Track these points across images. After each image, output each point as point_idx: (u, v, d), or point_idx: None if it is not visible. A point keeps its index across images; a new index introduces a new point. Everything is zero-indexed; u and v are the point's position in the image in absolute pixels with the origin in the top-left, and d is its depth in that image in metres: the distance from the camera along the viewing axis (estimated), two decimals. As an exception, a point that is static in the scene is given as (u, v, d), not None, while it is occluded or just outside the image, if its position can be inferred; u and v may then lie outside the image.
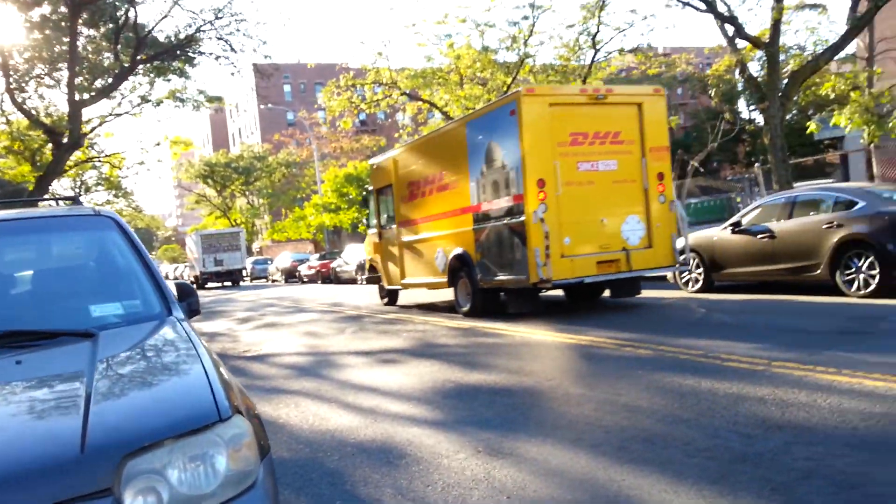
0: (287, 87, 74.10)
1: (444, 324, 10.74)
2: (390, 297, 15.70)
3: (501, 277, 10.70)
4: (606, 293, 11.91)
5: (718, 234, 11.66)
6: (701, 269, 11.80)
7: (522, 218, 9.99)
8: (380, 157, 15.94)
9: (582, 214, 10.22)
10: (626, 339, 7.74)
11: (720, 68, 38.97)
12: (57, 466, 1.83)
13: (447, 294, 13.01)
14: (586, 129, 10.42)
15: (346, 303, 17.09)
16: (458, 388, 6.21)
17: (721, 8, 18.46)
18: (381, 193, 15.14)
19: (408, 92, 25.62)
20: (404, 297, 16.47)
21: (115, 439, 1.92)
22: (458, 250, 11.73)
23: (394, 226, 14.37)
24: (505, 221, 10.48)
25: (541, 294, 11.63)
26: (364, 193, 19.94)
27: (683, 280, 12.15)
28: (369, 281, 17.12)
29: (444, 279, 12.35)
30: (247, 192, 58.57)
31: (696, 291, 11.81)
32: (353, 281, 27.51)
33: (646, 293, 12.70)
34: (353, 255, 27.74)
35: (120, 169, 30.75)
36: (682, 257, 10.89)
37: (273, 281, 41.39)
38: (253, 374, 8.04)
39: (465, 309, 11.80)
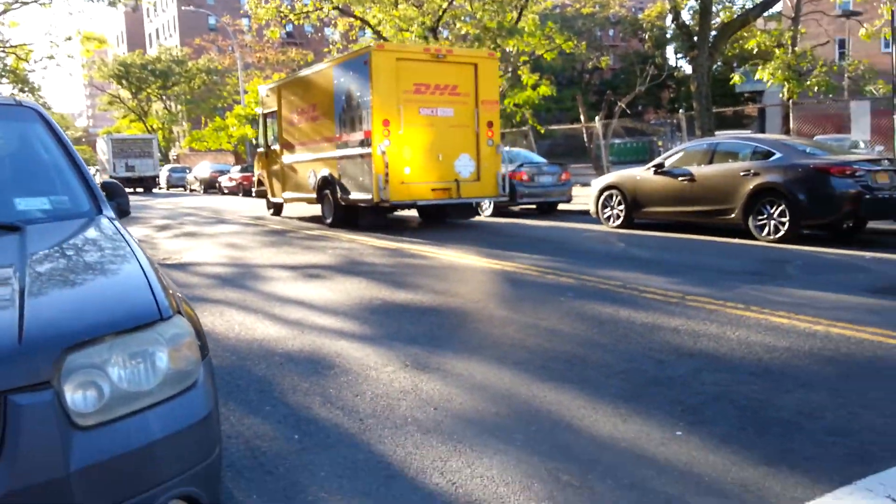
0: (211, -11, 70.12)
1: (370, 243, 10.74)
2: (275, 208, 17.59)
3: (354, 197, 12.94)
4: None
5: (641, 174, 12.00)
6: (622, 207, 12.16)
7: (370, 150, 12.15)
8: (267, 85, 17.86)
9: (421, 150, 12.44)
10: (550, 267, 7.96)
11: (652, 14, 39.32)
12: (-7, 357, 1.77)
13: (317, 209, 14.99)
14: (428, 82, 12.54)
15: (270, 217, 16.79)
16: (384, 305, 6.28)
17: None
18: (269, 117, 17.01)
19: (340, 6, 24.71)
20: (289, 211, 17.86)
21: (54, 333, 1.87)
22: (325, 172, 13.86)
23: (277, 147, 16.32)
24: (358, 151, 12.62)
25: (393, 213, 14.83)
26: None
27: (605, 216, 12.51)
28: (258, 195, 19.14)
29: (314, 195, 14.45)
30: (164, 97, 55.84)
31: (617, 227, 12.20)
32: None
33: (568, 225, 13.05)
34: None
35: (27, 62, 28.68)
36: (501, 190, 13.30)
37: (191, 190, 40.13)
38: (175, 281, 7.83)
39: (329, 221, 13.88)
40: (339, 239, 11.63)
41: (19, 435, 1.68)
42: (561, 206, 16.37)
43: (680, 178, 11.14)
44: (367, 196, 12.35)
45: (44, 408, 1.73)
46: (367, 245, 10.72)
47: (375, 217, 13.42)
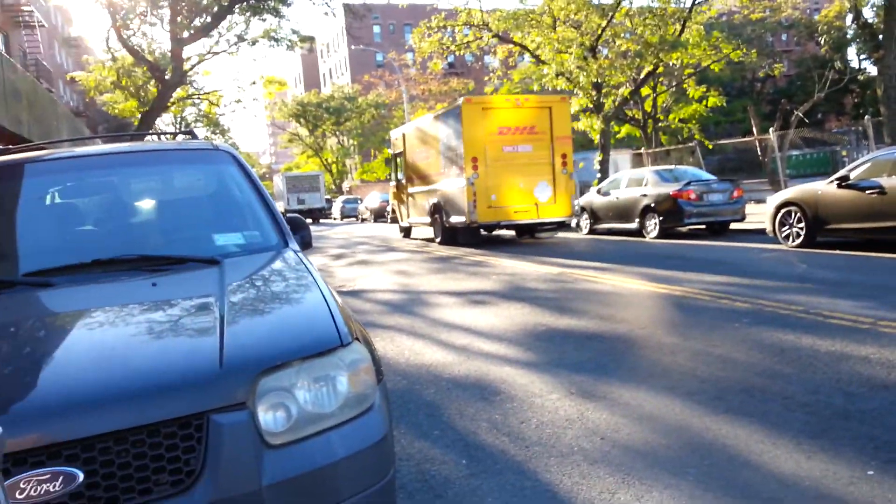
0: (377, 28, 73.99)
1: (534, 269, 10.77)
2: (405, 232, 21.08)
3: (454, 220, 16.25)
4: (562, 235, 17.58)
5: (823, 188, 11.13)
6: (803, 224, 11.33)
7: (464, 183, 15.37)
8: (395, 131, 21.59)
9: (504, 180, 15.47)
10: (723, 291, 7.58)
11: (830, 14, 36.54)
12: (199, 379, 1.97)
13: (431, 231, 18.36)
14: (510, 125, 15.63)
15: (436, 245, 17.30)
16: (549, 331, 6.27)
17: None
18: (397, 157, 20.45)
19: (499, 34, 25.17)
20: (416, 233, 21.20)
21: (250, 358, 2.05)
22: (434, 200, 17.30)
23: (404, 181, 19.71)
24: (455, 183, 15.94)
25: (491, 233, 17.75)
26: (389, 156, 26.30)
27: (783, 234, 11.71)
28: (392, 221, 23.22)
29: (428, 220, 17.92)
30: (337, 133, 59.45)
31: (797, 246, 11.37)
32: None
33: (742, 245, 12.35)
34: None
35: (217, 106, 31.74)
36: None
37: (363, 220, 42.26)
38: (350, 308, 8.29)
39: (438, 240, 17.27)
40: (501, 265, 11.76)
41: (220, 451, 1.87)
42: (733, 226, 15.52)
43: (868, 192, 10.20)
44: (462, 219, 15.70)
45: (240, 427, 1.91)
46: (529, 271, 10.75)
47: (472, 235, 16.13)
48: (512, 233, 18.11)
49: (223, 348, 2.08)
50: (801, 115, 25.41)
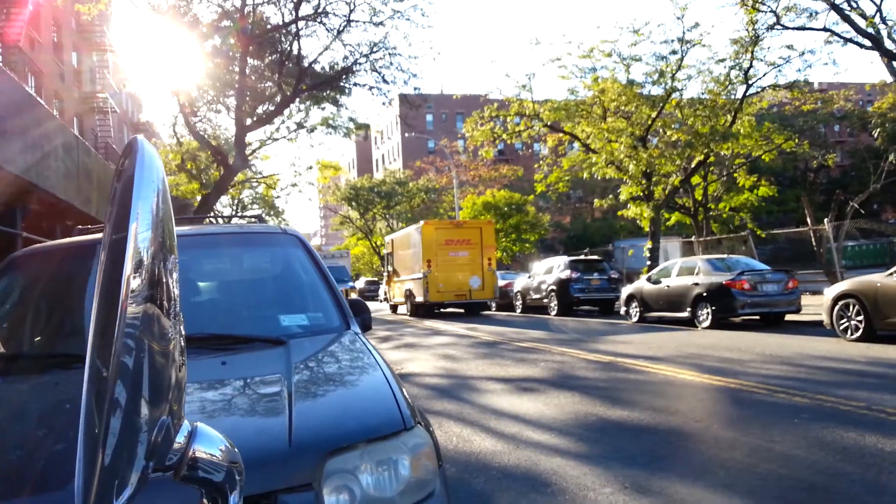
0: (429, 117, 76.33)
1: (582, 356, 10.66)
2: (393, 308, 28.56)
3: (417, 300, 23.92)
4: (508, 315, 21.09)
5: (883, 279, 10.88)
6: (862, 317, 11.03)
7: (422, 276, 23.18)
8: (387, 237, 30.89)
9: (449, 274, 23.08)
10: (780, 385, 7.39)
11: (884, 105, 36.43)
12: (269, 458, 2.03)
13: (405, 308, 26.17)
14: (453, 238, 23.56)
15: (482, 328, 17.29)
16: (599, 421, 6.18)
17: (888, 45, 17.34)
18: (389, 255, 28.29)
19: (549, 123, 25.73)
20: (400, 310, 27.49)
21: (318, 438, 2.11)
22: (408, 286, 25.14)
23: (391, 273, 27.79)
24: (420, 276, 23.58)
25: (442, 310, 25.23)
26: (383, 254, 33.41)
27: (842, 327, 11.41)
28: (384, 300, 33.55)
29: (405, 300, 25.74)
30: (387, 216, 60.66)
31: (856, 340, 11.04)
32: (508, 307, 25.71)
33: (799, 338, 12.05)
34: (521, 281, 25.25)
35: (274, 189, 32.84)
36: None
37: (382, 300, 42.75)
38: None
39: (408, 314, 25.07)
40: (549, 351, 11.68)
41: (286, 533, 1.91)
42: (789, 317, 15.17)
43: (931, 286, 9.94)
44: (422, 299, 23.40)
45: (308, 509, 1.96)
46: (578, 358, 10.65)
47: (427, 311, 24.00)
48: (461, 310, 25.30)
49: (292, 428, 2.15)
50: (856, 205, 25.05)
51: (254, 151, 26.74)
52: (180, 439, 1.00)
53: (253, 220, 4.88)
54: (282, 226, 4.26)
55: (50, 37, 27.33)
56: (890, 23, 17.69)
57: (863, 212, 26.87)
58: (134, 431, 0.90)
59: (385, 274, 29.48)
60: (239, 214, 5.84)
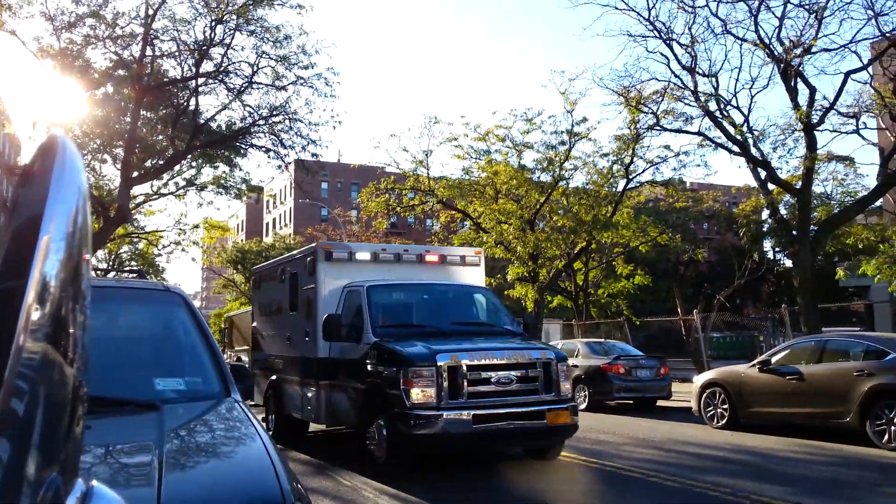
0: (325, 184, 76.22)
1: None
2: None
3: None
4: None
5: (746, 370, 11.58)
6: (727, 406, 11.64)
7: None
8: (228, 314, 34.18)
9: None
10: (653, 469, 7.61)
11: (747, 208, 39.64)
12: (133, 531, 1.89)
13: None
14: None
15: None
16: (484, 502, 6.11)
17: (754, 152, 19.04)
18: (227, 330, 28.93)
19: (443, 200, 26.31)
20: None
21: (189, 512, 1.98)
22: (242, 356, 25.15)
23: (228, 344, 27.88)
24: None
25: None
26: None
27: (709, 414, 11.97)
28: None
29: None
30: (272, 282, 59.28)
31: (722, 427, 11.60)
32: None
33: (670, 423, 12.52)
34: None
35: (156, 246, 31.46)
36: None
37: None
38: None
39: None
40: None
41: None
42: (660, 402, 15.79)
43: (788, 377, 10.66)
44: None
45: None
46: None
47: None
48: None
49: (160, 500, 2.01)
50: (722, 299, 26.77)
51: (138, 205, 25.68)
52: (72, 501, 0.87)
53: (134, 275, 4.65)
54: (165, 283, 4.07)
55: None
56: (756, 132, 19.45)
57: (728, 305, 28.71)
58: (16, 490, 0.76)
59: (222, 347, 30.11)
60: (118, 269, 5.45)
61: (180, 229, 28.68)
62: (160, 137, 23.12)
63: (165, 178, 24.31)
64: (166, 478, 2.15)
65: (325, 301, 9.17)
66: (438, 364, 7.01)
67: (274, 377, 11.09)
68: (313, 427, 10.47)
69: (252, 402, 10.25)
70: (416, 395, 7.00)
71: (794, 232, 19.26)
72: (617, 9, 19.19)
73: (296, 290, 10.29)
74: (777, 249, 49.03)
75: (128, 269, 7.06)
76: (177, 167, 23.53)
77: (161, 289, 3.89)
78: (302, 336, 9.85)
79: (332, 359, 8.83)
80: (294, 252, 12.80)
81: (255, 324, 12.99)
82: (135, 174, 21.43)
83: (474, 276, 10.21)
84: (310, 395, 9.51)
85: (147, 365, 3.46)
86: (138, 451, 2.48)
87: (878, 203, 25.21)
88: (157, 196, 25.54)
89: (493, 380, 7.20)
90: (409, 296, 9.36)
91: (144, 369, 3.40)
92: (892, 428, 9.10)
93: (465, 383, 7.09)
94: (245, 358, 26.90)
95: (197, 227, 29.73)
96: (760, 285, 52.42)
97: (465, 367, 7.11)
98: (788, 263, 29.94)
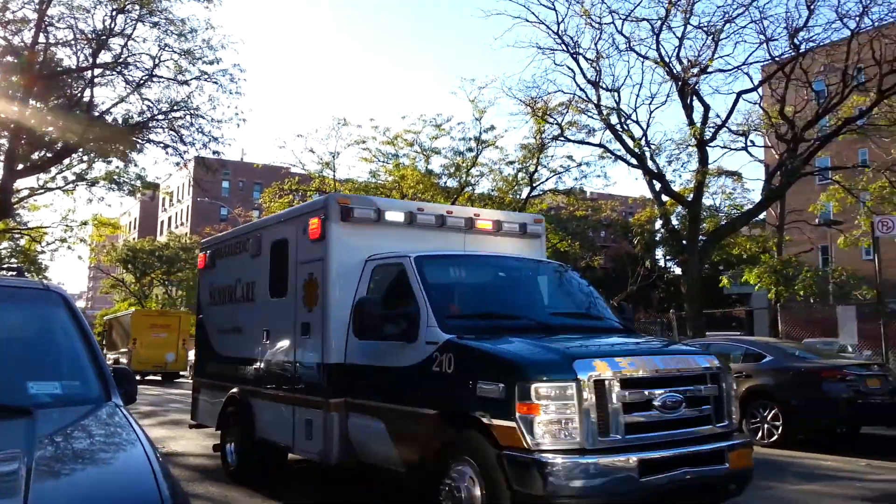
0: (226, 183, 73.99)
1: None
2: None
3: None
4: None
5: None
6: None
7: (128, 350, 30.38)
8: (107, 317, 38.87)
9: (152, 350, 29.65)
10: None
11: (642, 218, 41.46)
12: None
13: None
14: (157, 323, 31.14)
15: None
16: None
17: (650, 165, 19.95)
18: (107, 332, 38.34)
19: (348, 203, 26.07)
20: None
21: (58, 522, 1.90)
22: (118, 356, 31.71)
23: (107, 345, 35.84)
24: (126, 350, 31.16)
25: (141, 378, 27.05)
26: None
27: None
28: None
29: None
30: (167, 282, 57.02)
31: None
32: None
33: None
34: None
35: (39, 244, 29.71)
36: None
37: (190, 377, 39.91)
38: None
39: None
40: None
41: None
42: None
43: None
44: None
45: None
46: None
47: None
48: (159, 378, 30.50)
49: (26, 511, 1.92)
50: (615, 303, 27.82)
51: (22, 199, 24.18)
52: None
53: (12, 273, 4.38)
54: (45, 282, 3.87)
55: None
56: (653, 146, 20.39)
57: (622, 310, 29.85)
58: None
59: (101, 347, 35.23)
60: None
61: (67, 226, 27.23)
62: (50, 129, 21.84)
63: (53, 172, 23.03)
64: (34, 486, 2.05)
65: (340, 280, 6.35)
66: (579, 377, 4.50)
67: (235, 390, 7.85)
68: (294, 455, 7.39)
69: (195, 423, 9.01)
70: (545, 428, 4.45)
71: (683, 242, 20.25)
72: (528, 21, 19.73)
73: (283, 265, 7.23)
74: (668, 258, 51.37)
75: (6, 266, 6.53)
76: (66, 161, 22.34)
77: (40, 287, 3.70)
78: (294, 332, 6.86)
79: (354, 365, 6.09)
80: (280, 213, 9.39)
81: (200, 316, 9.66)
82: (20, 166, 20.20)
83: (535, 249, 7.66)
84: (309, 418, 6.44)
85: (20, 367, 3.27)
86: (4, 459, 2.35)
87: (761, 216, 26.92)
88: (43, 190, 24.15)
89: (655, 402, 4.69)
90: (478, 274, 6.75)
91: (17, 372, 3.22)
92: (766, 426, 9.74)
93: (622, 407, 4.58)
94: (124, 361, 29.15)
95: (85, 223, 28.33)
96: (651, 291, 54.78)
97: (618, 383, 4.59)
98: (678, 271, 31.43)
